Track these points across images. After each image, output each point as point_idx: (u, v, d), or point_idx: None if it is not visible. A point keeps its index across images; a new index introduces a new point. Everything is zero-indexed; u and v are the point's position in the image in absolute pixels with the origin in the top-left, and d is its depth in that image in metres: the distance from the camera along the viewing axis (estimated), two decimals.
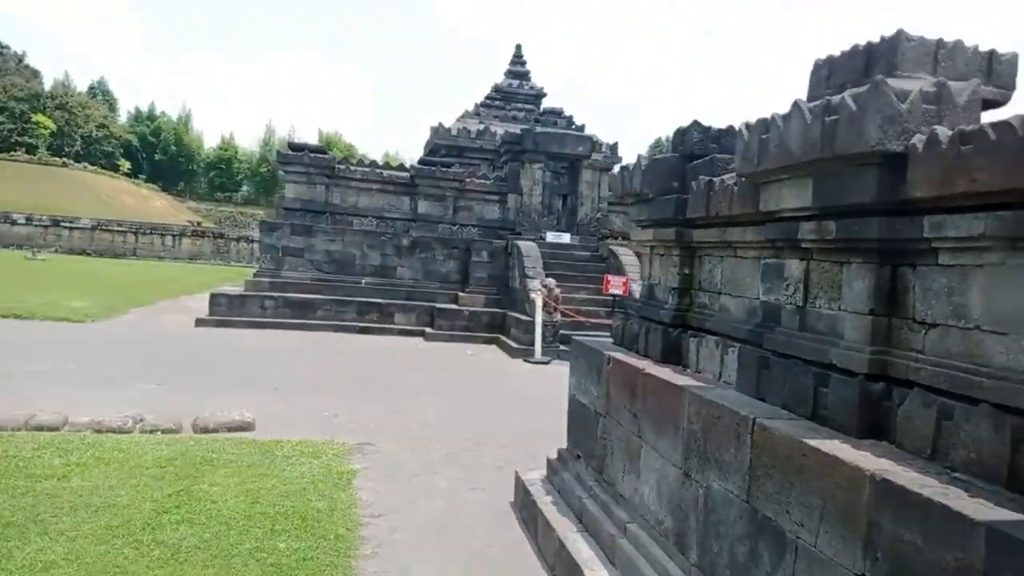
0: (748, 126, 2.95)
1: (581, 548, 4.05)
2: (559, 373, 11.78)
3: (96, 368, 9.07)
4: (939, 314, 2.34)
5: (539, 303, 12.37)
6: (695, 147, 3.96)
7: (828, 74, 2.82)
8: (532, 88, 21.92)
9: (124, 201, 52.91)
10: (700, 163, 3.87)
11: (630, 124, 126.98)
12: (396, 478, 5.72)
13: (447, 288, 15.70)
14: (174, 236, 36.62)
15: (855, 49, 2.68)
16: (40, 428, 6.09)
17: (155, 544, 3.83)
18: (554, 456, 5.23)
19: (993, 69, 2.50)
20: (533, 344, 12.66)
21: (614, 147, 17.75)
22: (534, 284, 13.52)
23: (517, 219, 16.27)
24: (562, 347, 12.97)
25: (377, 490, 5.37)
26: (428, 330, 14.59)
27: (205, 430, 6.48)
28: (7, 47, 67.83)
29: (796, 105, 2.62)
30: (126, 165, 63.26)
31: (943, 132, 2.13)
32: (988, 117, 2.39)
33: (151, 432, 6.29)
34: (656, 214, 4.09)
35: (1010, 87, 2.53)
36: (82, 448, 5.44)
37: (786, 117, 2.67)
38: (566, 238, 16.18)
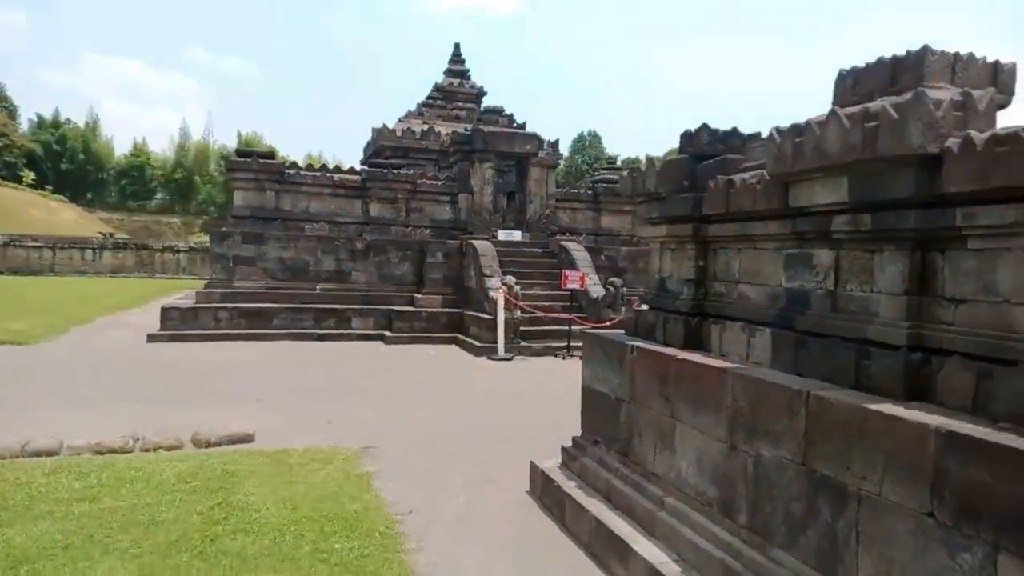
0: (780, 131, 3.30)
1: (619, 524, 4.36)
2: (525, 369, 12.15)
3: (65, 390, 8.82)
4: (968, 291, 2.74)
5: (501, 301, 12.63)
6: (705, 148, 4.32)
7: (853, 84, 3.20)
8: (473, 87, 22.15)
9: (31, 214, 50.12)
10: (712, 163, 4.23)
11: (550, 119, 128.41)
12: (410, 477, 5.89)
13: (403, 290, 15.77)
14: (94, 250, 35.02)
15: (881, 61, 3.06)
16: (38, 453, 5.98)
17: (221, 554, 3.93)
18: (568, 444, 5.51)
19: (998, 78, 2.93)
20: (495, 342, 12.93)
21: (555, 144, 18.17)
22: (493, 283, 13.77)
23: (469, 219, 16.47)
24: (523, 343, 13.30)
25: (398, 490, 5.53)
26: (387, 333, 14.64)
27: (208, 444, 6.49)
28: None
29: (833, 112, 2.98)
30: (30, 176, 59.55)
31: (977, 136, 2.52)
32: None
33: (153, 450, 6.26)
34: (670, 211, 4.43)
35: (1011, 92, 2.96)
36: (97, 470, 5.40)
37: (822, 123, 3.03)
38: (517, 236, 16.49)
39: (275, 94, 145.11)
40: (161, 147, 75.84)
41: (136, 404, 8.21)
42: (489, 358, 12.69)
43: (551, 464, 5.52)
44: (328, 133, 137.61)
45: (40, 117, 72.03)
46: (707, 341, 4.22)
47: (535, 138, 16.91)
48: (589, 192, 19.02)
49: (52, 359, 11.21)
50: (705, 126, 4.31)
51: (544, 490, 5.38)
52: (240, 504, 4.75)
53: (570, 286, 13.43)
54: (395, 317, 14.80)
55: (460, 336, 14.42)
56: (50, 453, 6.03)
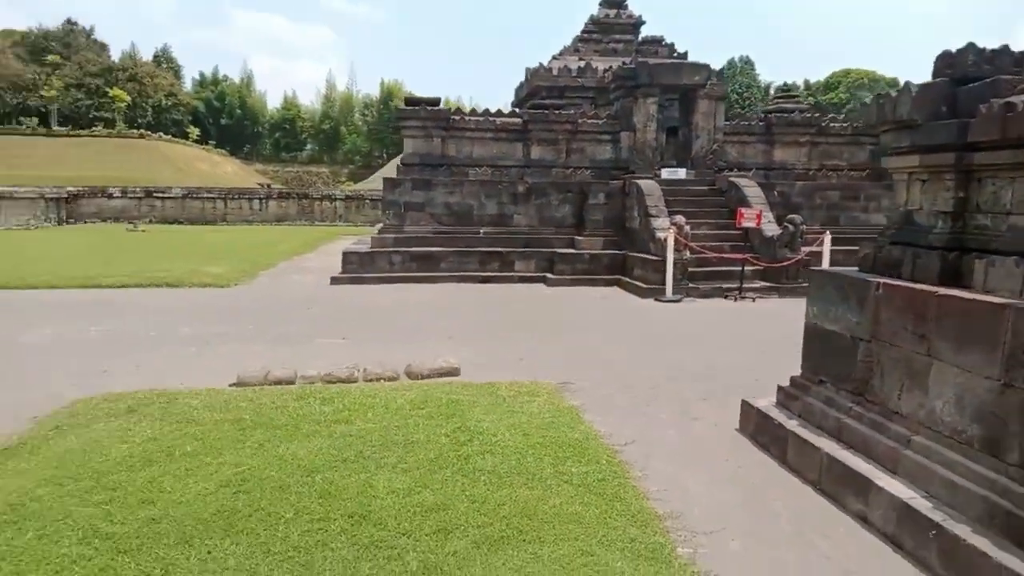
0: None
1: (855, 462, 4.30)
2: (696, 310, 11.98)
3: (273, 328, 9.66)
4: None
5: (671, 241, 12.46)
6: (968, 70, 4.01)
7: None
8: (630, 17, 21.31)
9: (199, 168, 54.50)
10: (979, 86, 3.92)
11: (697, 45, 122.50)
12: (615, 412, 6.05)
13: (563, 233, 15.89)
14: (260, 200, 37.63)
15: None
16: (279, 382, 6.64)
17: (477, 472, 4.26)
18: (785, 383, 5.45)
19: None
20: (661, 284, 12.80)
21: (719, 73, 17.13)
22: (659, 223, 13.58)
23: (631, 157, 16.20)
24: (690, 285, 13.09)
25: (606, 422, 5.71)
26: (549, 276, 14.85)
27: (420, 376, 6.95)
28: (75, 23, 69.36)
29: None
30: (195, 132, 64.41)
31: None
32: None
33: (375, 380, 6.79)
34: (924, 139, 4.18)
35: None
36: (337, 397, 5.93)
37: None
38: (681, 173, 16.04)
39: (407, 39, 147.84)
40: (308, 99, 79.91)
41: (338, 339, 8.90)
42: (656, 300, 12.62)
43: (766, 403, 5.49)
44: (465, 77, 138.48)
45: (201, 75, 77.60)
46: (968, 277, 3.99)
47: (704, 68, 16.06)
48: (761, 124, 17.92)
49: (251, 300, 12.26)
50: (972, 45, 3.99)
51: (759, 428, 5.37)
52: (477, 429, 5.09)
53: (745, 224, 12.99)
54: (556, 259, 14.98)
55: (623, 278, 14.40)
56: (288, 381, 6.68)
